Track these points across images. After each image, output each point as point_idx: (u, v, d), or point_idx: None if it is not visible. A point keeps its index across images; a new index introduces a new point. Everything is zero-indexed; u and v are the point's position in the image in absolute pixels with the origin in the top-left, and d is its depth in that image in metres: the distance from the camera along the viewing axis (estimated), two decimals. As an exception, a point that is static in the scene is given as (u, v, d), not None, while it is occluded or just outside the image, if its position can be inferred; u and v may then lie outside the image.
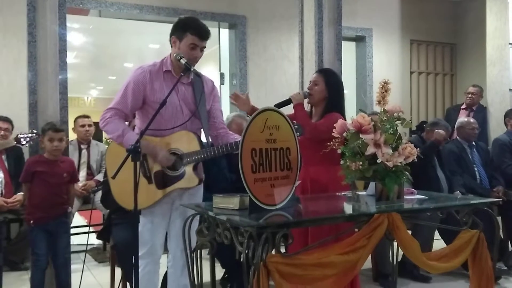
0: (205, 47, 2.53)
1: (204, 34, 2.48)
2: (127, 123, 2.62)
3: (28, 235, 3.13)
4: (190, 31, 2.46)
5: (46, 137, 3.09)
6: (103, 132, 2.61)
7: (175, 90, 2.47)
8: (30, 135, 2.96)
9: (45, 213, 3.09)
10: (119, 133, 2.44)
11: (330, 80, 2.98)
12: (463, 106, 5.77)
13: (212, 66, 7.28)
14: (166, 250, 2.66)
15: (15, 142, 2.96)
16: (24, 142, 2.94)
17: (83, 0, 5.12)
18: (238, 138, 2.56)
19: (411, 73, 7.08)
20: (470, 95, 5.62)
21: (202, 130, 2.60)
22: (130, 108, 2.50)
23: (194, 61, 2.50)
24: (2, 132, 4.18)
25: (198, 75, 2.54)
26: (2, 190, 4.16)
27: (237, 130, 3.23)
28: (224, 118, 3.76)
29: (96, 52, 9.54)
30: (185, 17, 2.60)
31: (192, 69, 2.44)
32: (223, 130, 2.67)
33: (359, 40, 6.75)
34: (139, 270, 2.42)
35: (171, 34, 2.53)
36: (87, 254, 4.60)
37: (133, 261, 2.12)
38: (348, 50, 6.48)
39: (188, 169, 2.44)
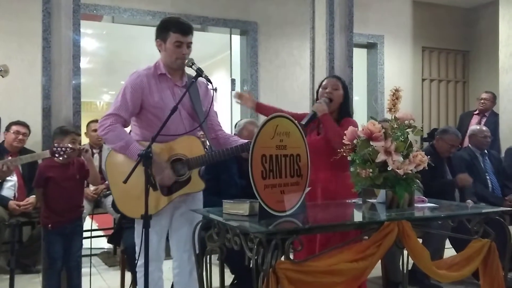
0: (191, 42, 2.50)
1: (186, 29, 2.47)
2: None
3: (43, 238, 3.14)
4: (172, 29, 2.46)
5: (68, 139, 3.06)
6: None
7: (171, 93, 2.48)
8: (65, 149, 2.93)
9: (63, 217, 3.11)
10: (122, 144, 2.39)
11: (345, 86, 3.03)
12: (476, 112, 5.81)
13: (224, 72, 7.32)
14: (166, 256, 2.65)
15: (50, 155, 2.96)
16: (57, 156, 2.93)
17: (97, 6, 5.19)
18: (241, 141, 2.57)
19: (423, 80, 7.05)
20: (482, 101, 5.68)
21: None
22: (130, 113, 2.47)
23: (182, 59, 2.46)
24: (20, 136, 4.24)
25: (209, 80, 2.51)
26: (15, 193, 4.21)
27: (249, 136, 3.23)
28: (235, 124, 3.80)
29: (109, 57, 9.62)
30: (166, 17, 2.60)
31: (203, 75, 2.41)
32: (221, 132, 2.68)
33: (371, 47, 6.75)
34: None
35: (156, 38, 2.53)
36: (97, 257, 4.63)
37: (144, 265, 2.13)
38: (360, 57, 6.48)
39: (194, 174, 2.45)
